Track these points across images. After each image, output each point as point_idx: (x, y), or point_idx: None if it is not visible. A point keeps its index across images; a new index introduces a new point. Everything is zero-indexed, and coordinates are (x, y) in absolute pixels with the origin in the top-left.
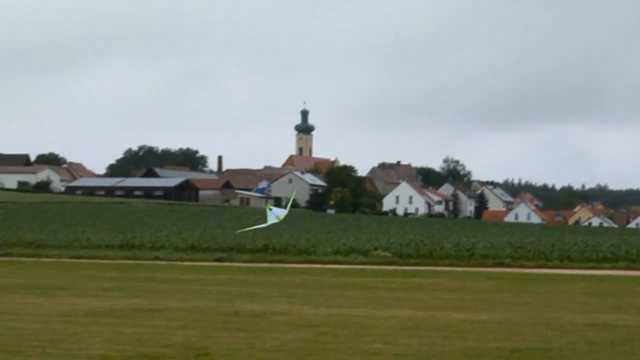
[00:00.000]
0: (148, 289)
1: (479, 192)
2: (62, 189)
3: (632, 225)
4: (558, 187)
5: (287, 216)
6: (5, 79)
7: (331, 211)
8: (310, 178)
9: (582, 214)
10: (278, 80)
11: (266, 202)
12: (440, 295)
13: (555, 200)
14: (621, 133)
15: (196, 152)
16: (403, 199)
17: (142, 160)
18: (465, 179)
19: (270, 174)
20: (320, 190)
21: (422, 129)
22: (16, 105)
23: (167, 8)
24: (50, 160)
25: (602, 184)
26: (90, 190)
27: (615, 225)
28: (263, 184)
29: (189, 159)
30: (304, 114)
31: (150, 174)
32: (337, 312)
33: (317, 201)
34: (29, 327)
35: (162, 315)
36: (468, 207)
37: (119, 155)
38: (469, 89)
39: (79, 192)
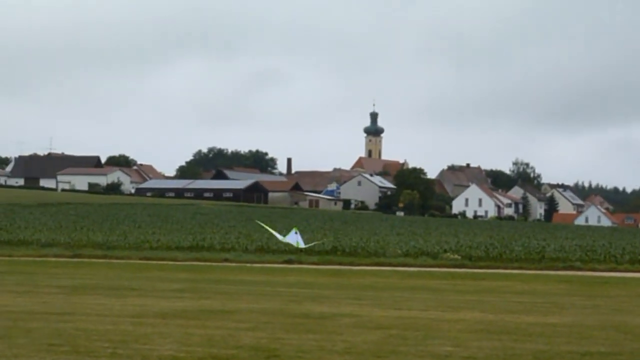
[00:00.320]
0: (218, 290)
1: (548, 194)
2: (132, 190)
3: None
4: (629, 189)
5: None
6: (76, 80)
7: (400, 213)
8: (379, 180)
9: None
10: (347, 81)
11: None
12: (510, 298)
13: (626, 203)
14: None
15: (265, 154)
16: (472, 202)
17: (211, 162)
18: (535, 181)
19: (339, 176)
20: (389, 193)
21: (492, 131)
22: (87, 107)
23: (238, 8)
24: (121, 162)
25: None
26: (160, 192)
27: None
28: (332, 186)
29: (259, 161)
30: (374, 116)
31: (220, 175)
32: (407, 314)
33: (386, 203)
34: (99, 328)
35: (232, 316)
36: (538, 209)
37: (189, 157)
38: (538, 89)
39: (148, 193)
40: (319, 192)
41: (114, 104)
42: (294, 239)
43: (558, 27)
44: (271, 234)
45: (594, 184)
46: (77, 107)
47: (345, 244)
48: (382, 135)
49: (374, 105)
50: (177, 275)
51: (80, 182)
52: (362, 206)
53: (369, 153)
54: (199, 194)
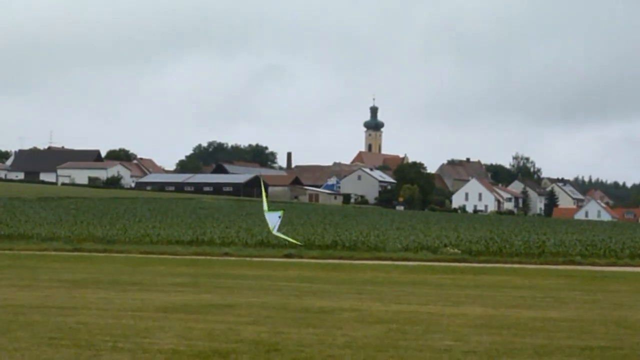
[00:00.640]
0: (218, 284)
1: (548, 189)
2: (133, 184)
3: None
4: (629, 184)
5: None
6: (77, 76)
7: (400, 208)
8: (379, 174)
9: None
10: (347, 77)
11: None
12: (510, 293)
13: (626, 197)
14: None
15: (265, 148)
16: (472, 196)
17: (211, 157)
18: (535, 176)
19: (339, 170)
20: (389, 187)
21: (492, 126)
22: (87, 102)
23: (239, 5)
24: (121, 156)
25: None
26: (160, 186)
27: None
28: (332, 181)
29: (259, 155)
30: (374, 110)
31: (220, 170)
32: (407, 309)
33: (386, 198)
34: (100, 322)
35: (233, 310)
36: (538, 204)
37: (189, 152)
38: (539, 84)
39: (149, 187)
40: (319, 187)
41: (114, 99)
42: (274, 221)
43: (558, 24)
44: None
45: (594, 179)
46: (77, 102)
47: (345, 238)
48: (382, 129)
49: (374, 99)
50: (178, 270)
51: (81, 176)
52: (362, 200)
53: (369, 147)
54: (199, 188)
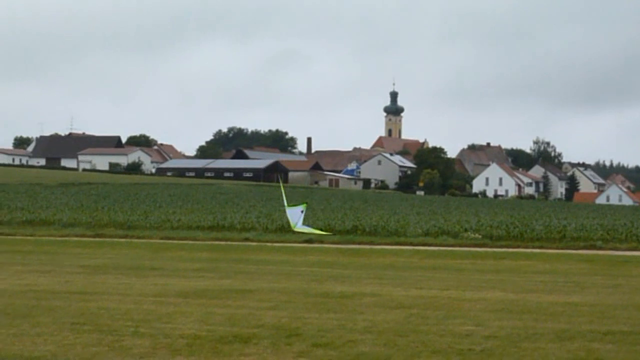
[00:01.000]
0: (238, 270)
1: (569, 173)
2: (153, 170)
3: None
4: None
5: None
6: (97, 62)
7: (420, 193)
8: (399, 159)
9: None
10: (368, 61)
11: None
12: (531, 278)
13: None
14: None
15: (285, 133)
16: (493, 181)
17: (231, 142)
18: (556, 160)
19: (359, 155)
20: (409, 172)
21: (513, 110)
22: (108, 88)
23: None
24: (141, 141)
25: None
26: (180, 172)
27: None
28: (352, 166)
29: (279, 141)
30: (393, 95)
31: (240, 155)
32: (428, 293)
33: (406, 183)
34: (121, 307)
35: (253, 296)
36: (559, 188)
37: (209, 137)
38: (560, 68)
39: (169, 173)
40: (339, 172)
41: (135, 85)
42: (295, 217)
43: (579, 6)
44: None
45: (615, 163)
46: (98, 88)
47: (365, 223)
48: (402, 114)
49: (393, 84)
50: (198, 255)
51: (101, 162)
52: (382, 185)
53: (389, 132)
54: (219, 173)
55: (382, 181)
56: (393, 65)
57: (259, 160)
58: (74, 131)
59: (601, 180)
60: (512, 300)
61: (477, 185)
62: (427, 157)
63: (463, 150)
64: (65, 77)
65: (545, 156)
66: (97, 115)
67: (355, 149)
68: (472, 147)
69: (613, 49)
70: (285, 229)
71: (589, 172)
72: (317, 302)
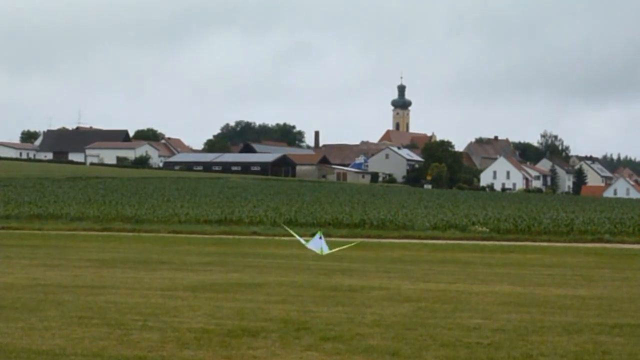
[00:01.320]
0: (247, 263)
1: (577, 167)
2: (161, 164)
3: None
4: None
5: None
6: (105, 56)
7: (428, 186)
8: (407, 153)
9: None
10: (376, 55)
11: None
12: (538, 271)
13: None
14: None
15: (293, 127)
16: (500, 174)
17: (239, 136)
18: (564, 154)
19: (367, 149)
20: (417, 166)
21: (520, 104)
22: (115, 82)
23: None
24: (149, 135)
25: None
26: (188, 166)
27: None
28: (360, 159)
29: (286, 134)
30: (401, 89)
31: (248, 149)
32: (436, 287)
33: (414, 176)
34: (129, 301)
35: (262, 289)
36: (566, 182)
37: (217, 131)
38: (567, 62)
39: (177, 167)
40: (347, 165)
41: (142, 79)
42: (318, 244)
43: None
44: (296, 238)
45: (622, 156)
46: (105, 82)
47: (373, 217)
48: (410, 108)
49: (401, 78)
50: (206, 249)
51: (109, 156)
52: (390, 179)
53: (397, 126)
54: (226, 167)
55: (389, 175)
56: (401, 59)
57: (267, 154)
58: (81, 125)
59: (609, 174)
60: (520, 294)
61: (485, 179)
62: (435, 150)
63: (471, 144)
64: (74, 71)
65: (552, 150)
66: (104, 109)
67: (362, 142)
68: (480, 141)
69: (621, 43)
70: (293, 222)
71: (596, 166)
72: (326, 296)
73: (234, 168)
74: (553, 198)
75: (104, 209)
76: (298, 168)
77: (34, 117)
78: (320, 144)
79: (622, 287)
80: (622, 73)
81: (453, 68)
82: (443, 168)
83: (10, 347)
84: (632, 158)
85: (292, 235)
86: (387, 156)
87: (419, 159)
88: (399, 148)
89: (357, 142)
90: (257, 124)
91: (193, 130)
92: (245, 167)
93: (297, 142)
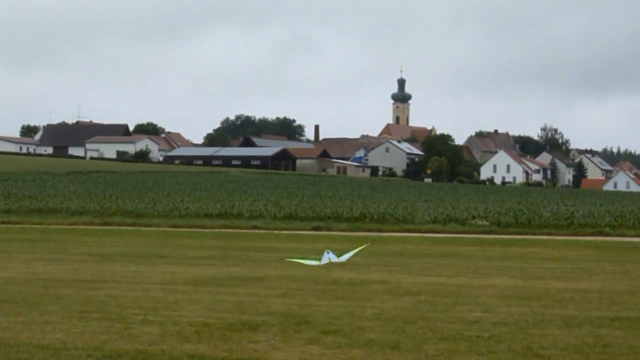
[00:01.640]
0: (247, 257)
1: (577, 160)
2: (161, 158)
3: None
4: None
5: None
6: (105, 50)
7: (428, 180)
8: (407, 147)
9: None
10: (376, 49)
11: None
12: (539, 264)
13: None
14: None
15: (293, 121)
16: (500, 168)
17: (239, 130)
18: (564, 147)
19: (367, 143)
20: (417, 159)
21: (520, 97)
22: (115, 76)
23: None
24: (149, 130)
25: None
26: (188, 160)
27: None
28: (360, 153)
29: (286, 128)
30: (401, 82)
31: (248, 143)
32: (436, 280)
33: (414, 170)
34: (130, 295)
35: (262, 283)
36: (566, 175)
37: (217, 125)
38: (567, 56)
39: (177, 161)
40: (347, 159)
41: (142, 73)
42: (326, 257)
43: None
44: (306, 264)
45: (622, 150)
46: (105, 76)
47: (373, 210)
48: (410, 101)
49: (401, 71)
50: (207, 243)
51: (109, 150)
52: (390, 173)
53: (397, 120)
54: (227, 161)
55: (389, 168)
56: (401, 52)
57: (267, 148)
58: (81, 119)
59: (609, 167)
60: (521, 287)
61: (485, 172)
62: (435, 144)
63: (471, 138)
64: (74, 66)
65: (552, 143)
66: (104, 103)
67: (363, 136)
68: (480, 134)
69: (621, 36)
70: (293, 216)
71: (596, 159)
72: (326, 290)
73: (234, 162)
74: (553, 191)
75: (104, 203)
76: (298, 162)
77: (34, 111)
78: (320, 138)
79: (622, 280)
80: (622, 66)
81: (453, 61)
82: (443, 162)
83: (11, 341)
84: (632, 151)
85: (302, 262)
86: (387, 150)
87: (419, 152)
88: (399, 142)
89: (357, 136)
90: (257, 118)
91: (193, 124)
92: (245, 161)
93: (297, 136)
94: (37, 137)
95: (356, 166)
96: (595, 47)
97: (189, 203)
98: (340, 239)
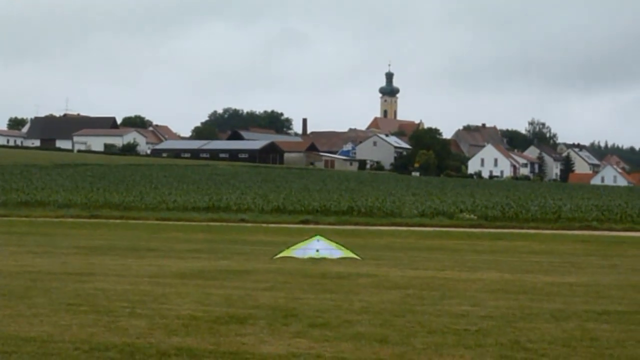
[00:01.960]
0: (235, 250)
1: (564, 154)
2: (148, 151)
3: None
4: None
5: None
6: (93, 43)
7: (416, 174)
8: (394, 140)
9: None
10: (364, 43)
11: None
12: (526, 258)
13: None
14: None
15: (281, 114)
16: (488, 162)
17: (227, 123)
18: (551, 141)
19: (354, 136)
20: (404, 153)
21: (508, 91)
22: (103, 69)
23: None
24: (137, 122)
25: None
26: (176, 153)
27: None
28: (348, 147)
29: (274, 122)
30: (389, 76)
31: (236, 136)
32: (424, 274)
33: (402, 163)
34: (117, 288)
35: (250, 276)
36: (554, 169)
37: (204, 118)
38: (555, 50)
39: (164, 154)
40: (335, 153)
41: (130, 66)
42: (314, 250)
43: None
44: (295, 256)
45: (610, 144)
46: (93, 69)
47: (361, 204)
48: (398, 95)
49: (389, 65)
50: (194, 236)
51: (96, 143)
52: (378, 166)
53: (385, 113)
54: (214, 154)
55: (377, 162)
56: (389, 46)
57: (255, 141)
58: (69, 112)
59: (596, 161)
60: (508, 281)
61: (473, 166)
62: (423, 138)
63: (458, 131)
64: (61, 59)
65: (540, 137)
66: (92, 96)
67: (350, 130)
68: (468, 128)
69: (609, 31)
70: (281, 209)
71: (584, 153)
72: (314, 283)
73: (222, 155)
74: (541, 185)
75: (92, 196)
76: (286, 155)
77: (22, 104)
78: (308, 132)
79: (609, 274)
80: (610, 61)
81: (441, 55)
82: (431, 155)
83: None
84: (620, 145)
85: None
86: (374, 143)
87: (407, 146)
88: (386, 135)
89: (345, 130)
90: (245, 111)
91: (181, 117)
92: (233, 155)
93: (285, 129)
94: (25, 129)
95: (344, 160)
96: (584, 42)
97: (177, 196)
98: (328, 232)
